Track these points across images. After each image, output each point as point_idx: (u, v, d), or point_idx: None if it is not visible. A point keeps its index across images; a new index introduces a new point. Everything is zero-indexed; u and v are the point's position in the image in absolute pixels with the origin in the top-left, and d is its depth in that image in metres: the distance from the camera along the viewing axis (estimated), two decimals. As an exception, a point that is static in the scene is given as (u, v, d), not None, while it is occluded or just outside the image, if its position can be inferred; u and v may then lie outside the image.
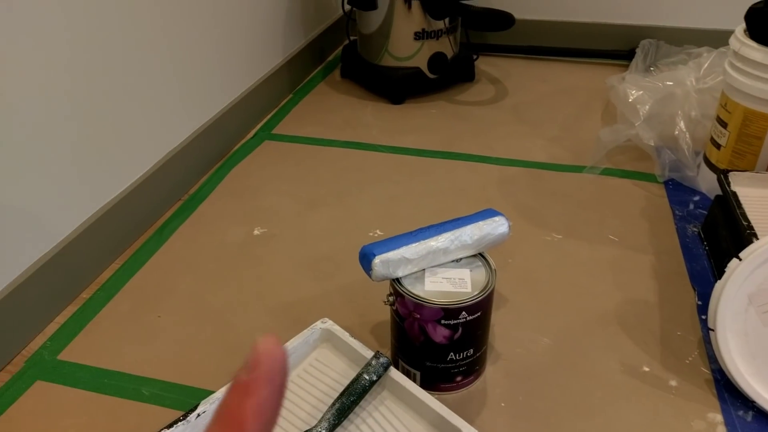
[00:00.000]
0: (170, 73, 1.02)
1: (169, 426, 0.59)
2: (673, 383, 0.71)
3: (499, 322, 0.80)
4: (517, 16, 1.62)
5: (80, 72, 0.83)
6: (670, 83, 1.11)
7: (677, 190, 1.04)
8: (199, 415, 0.60)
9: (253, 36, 1.28)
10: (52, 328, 0.82)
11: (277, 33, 1.38)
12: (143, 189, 0.98)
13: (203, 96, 1.13)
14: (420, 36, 1.38)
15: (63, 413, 0.70)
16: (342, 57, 1.54)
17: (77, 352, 0.78)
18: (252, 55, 1.29)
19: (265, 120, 1.35)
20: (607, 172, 1.11)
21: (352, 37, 1.55)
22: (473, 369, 0.70)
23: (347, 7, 1.47)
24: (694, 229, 0.95)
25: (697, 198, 1.02)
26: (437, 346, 0.66)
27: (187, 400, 0.71)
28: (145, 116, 0.98)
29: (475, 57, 1.51)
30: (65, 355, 0.77)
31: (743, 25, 0.93)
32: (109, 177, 0.92)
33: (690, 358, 0.74)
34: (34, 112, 0.77)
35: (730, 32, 0.95)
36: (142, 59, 0.95)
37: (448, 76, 1.46)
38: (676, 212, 0.99)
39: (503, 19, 1.32)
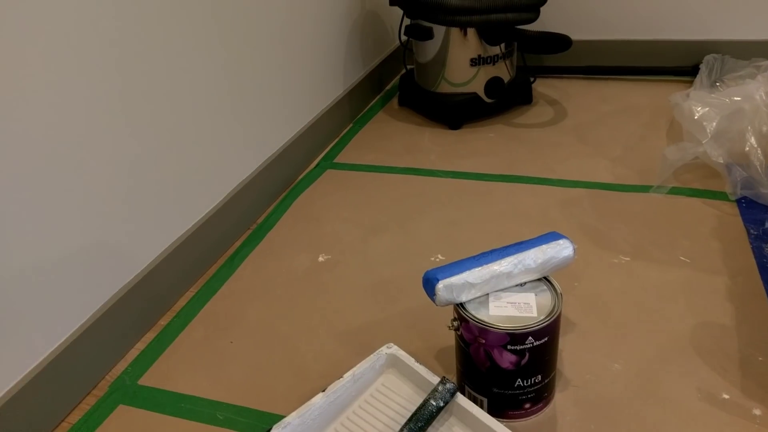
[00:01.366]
0: (240, 108, 1.08)
1: (244, 449, 0.61)
2: (757, 412, 0.67)
3: (567, 347, 0.79)
4: (574, 37, 1.62)
5: (151, 111, 0.89)
6: (738, 98, 1.07)
7: (751, 208, 1.00)
8: (271, 438, 0.62)
9: (316, 70, 1.33)
10: (132, 354, 0.86)
11: (338, 66, 1.43)
12: (216, 219, 1.03)
13: (270, 129, 1.18)
14: (476, 62, 1.40)
15: (144, 435, 0.73)
16: (400, 86, 1.58)
17: (156, 377, 0.82)
18: (315, 88, 1.34)
19: (327, 149, 1.39)
20: (675, 191, 1.08)
21: (409, 66, 1.58)
22: (542, 396, 0.69)
23: (404, 37, 1.51)
24: (773, 249, 0.91)
25: (774, 216, 0.98)
26: (504, 372, 0.65)
27: (259, 425, 0.73)
28: (217, 150, 1.03)
29: (532, 80, 1.50)
30: (145, 380, 0.81)
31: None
32: (185, 209, 0.97)
33: (774, 385, 0.70)
34: (117, 155, 0.82)
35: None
36: (213, 98, 1.00)
37: (506, 99, 1.46)
38: (751, 231, 0.95)
39: (560, 42, 1.32)
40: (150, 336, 0.89)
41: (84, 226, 0.78)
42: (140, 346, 0.88)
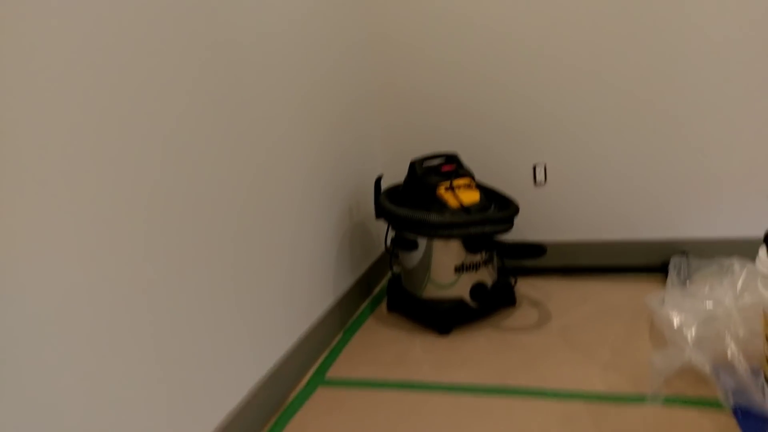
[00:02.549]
0: (228, 331, 1.09)
1: None
2: None
3: None
4: (548, 238, 1.72)
5: (134, 350, 0.90)
6: (710, 304, 1.14)
7: (747, 419, 1.00)
8: None
9: (308, 283, 1.37)
10: None
11: (329, 277, 1.49)
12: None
13: (260, 348, 1.18)
14: (460, 269, 1.47)
15: None
16: (387, 291, 1.63)
17: None
18: (307, 301, 1.36)
19: (318, 363, 1.39)
20: (670, 400, 1.08)
21: (395, 269, 1.65)
22: None
23: (390, 245, 1.60)
24: (778, 465, 0.90)
25: (771, 425, 0.98)
26: None
27: None
28: (201, 381, 1.02)
29: (513, 281, 1.57)
30: None
31: (764, 247, 0.98)
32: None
33: None
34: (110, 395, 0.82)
35: (757, 240, 1.02)
36: (200, 322, 1.02)
37: (490, 303, 1.51)
38: (753, 446, 0.95)
39: (535, 250, 1.42)
40: None
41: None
42: None
